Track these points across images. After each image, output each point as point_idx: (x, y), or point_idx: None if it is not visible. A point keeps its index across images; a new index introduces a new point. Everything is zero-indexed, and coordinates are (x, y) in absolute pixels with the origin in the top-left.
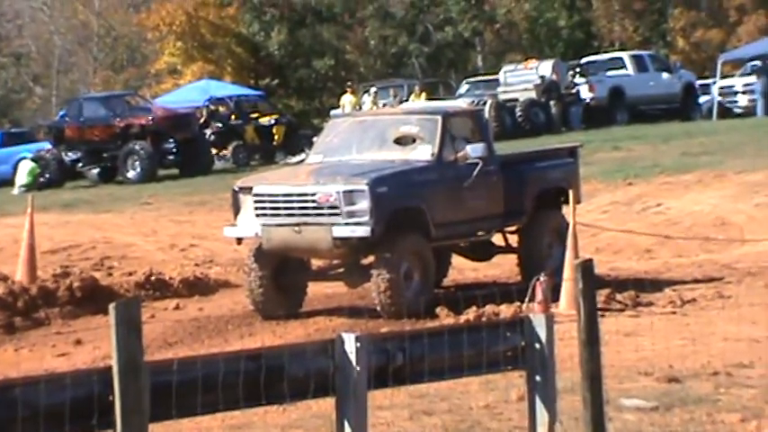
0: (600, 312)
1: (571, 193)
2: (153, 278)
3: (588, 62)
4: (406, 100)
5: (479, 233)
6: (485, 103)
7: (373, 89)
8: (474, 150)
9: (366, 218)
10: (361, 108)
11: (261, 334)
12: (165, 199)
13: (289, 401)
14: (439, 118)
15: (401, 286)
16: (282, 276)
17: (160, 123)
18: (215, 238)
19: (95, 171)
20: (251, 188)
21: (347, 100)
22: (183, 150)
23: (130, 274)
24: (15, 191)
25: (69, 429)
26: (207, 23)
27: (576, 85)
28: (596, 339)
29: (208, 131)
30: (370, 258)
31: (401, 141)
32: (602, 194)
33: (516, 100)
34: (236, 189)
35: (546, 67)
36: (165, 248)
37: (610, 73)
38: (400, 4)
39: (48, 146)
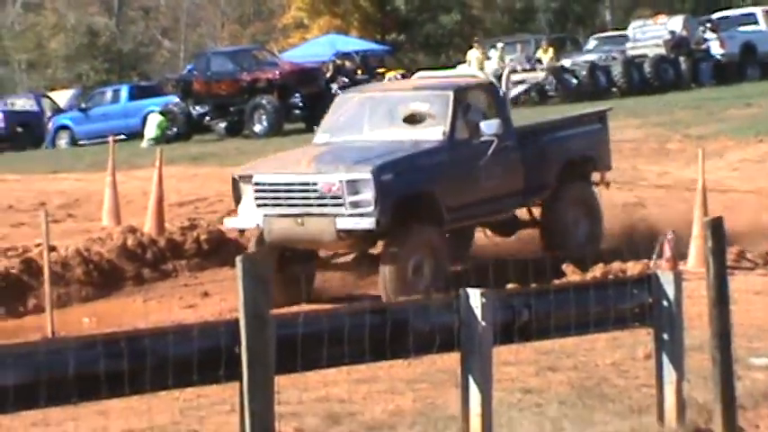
0: (729, 271)
1: (700, 152)
2: None
3: (719, 18)
4: (534, 54)
5: (498, 213)
6: (613, 59)
7: (500, 44)
8: (488, 127)
9: (371, 208)
10: (489, 60)
11: None
12: None
13: (413, 356)
14: (450, 93)
15: (408, 281)
16: (288, 267)
17: (287, 78)
18: None
19: (222, 125)
20: (251, 176)
21: (474, 55)
22: (310, 105)
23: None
24: (144, 144)
25: (197, 380)
26: None
27: (707, 40)
28: (726, 298)
29: (334, 86)
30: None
31: (411, 120)
32: (733, 151)
33: (645, 56)
34: (236, 177)
35: (676, 23)
36: None
37: (741, 28)
38: None
39: (176, 99)
